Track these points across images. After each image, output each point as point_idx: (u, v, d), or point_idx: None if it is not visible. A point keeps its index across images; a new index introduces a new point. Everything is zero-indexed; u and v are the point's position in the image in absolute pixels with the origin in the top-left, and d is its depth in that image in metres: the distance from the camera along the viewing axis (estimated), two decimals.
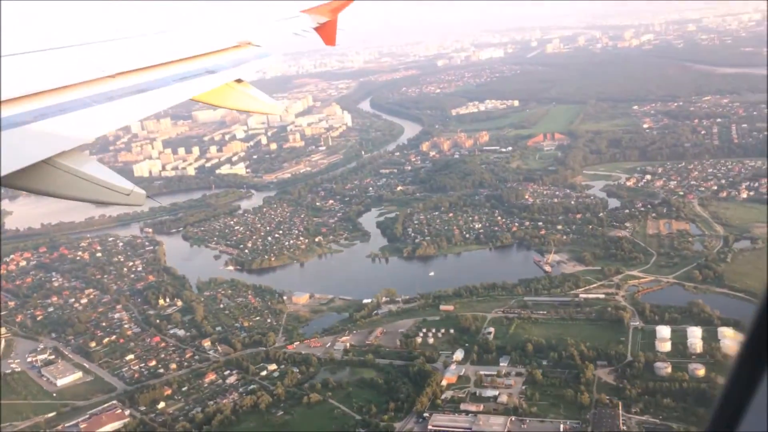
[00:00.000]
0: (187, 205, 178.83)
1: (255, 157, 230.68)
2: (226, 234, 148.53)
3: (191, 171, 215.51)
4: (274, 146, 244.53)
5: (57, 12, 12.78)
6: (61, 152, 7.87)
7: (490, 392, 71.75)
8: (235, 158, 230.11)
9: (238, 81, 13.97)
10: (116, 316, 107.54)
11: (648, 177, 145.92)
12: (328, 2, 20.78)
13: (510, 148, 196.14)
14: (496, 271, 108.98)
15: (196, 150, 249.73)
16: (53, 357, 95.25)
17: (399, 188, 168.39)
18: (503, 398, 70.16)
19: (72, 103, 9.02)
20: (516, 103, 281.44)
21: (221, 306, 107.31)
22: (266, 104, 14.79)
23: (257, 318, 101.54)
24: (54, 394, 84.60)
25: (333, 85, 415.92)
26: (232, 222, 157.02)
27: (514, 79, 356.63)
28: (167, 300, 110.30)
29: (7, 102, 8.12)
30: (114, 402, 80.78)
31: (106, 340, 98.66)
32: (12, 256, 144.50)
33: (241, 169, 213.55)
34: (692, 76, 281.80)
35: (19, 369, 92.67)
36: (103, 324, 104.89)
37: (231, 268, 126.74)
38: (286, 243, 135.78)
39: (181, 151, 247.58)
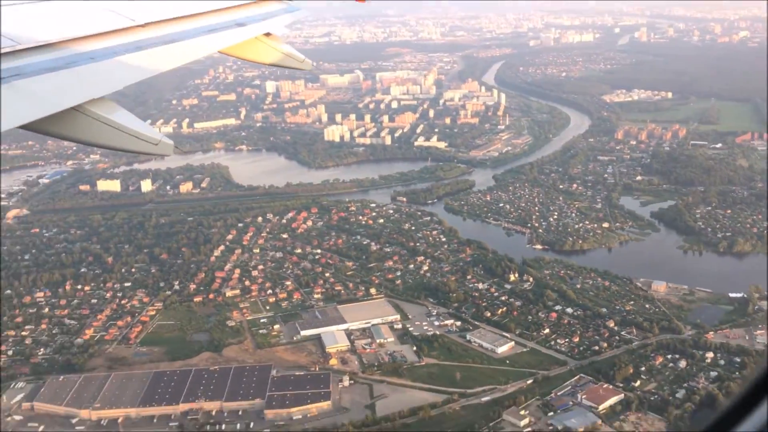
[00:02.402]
0: (417, 176, 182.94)
1: (436, 131, 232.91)
2: (493, 210, 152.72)
3: (387, 140, 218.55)
4: (448, 120, 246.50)
5: None
6: (90, 99, 7.94)
7: None
8: (418, 130, 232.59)
9: (267, 35, 13.93)
10: (480, 286, 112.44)
11: None
12: None
13: (719, 145, 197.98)
14: None
15: (367, 117, 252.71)
16: (459, 323, 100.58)
17: (638, 178, 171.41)
18: None
19: (102, 51, 8.99)
20: (669, 95, 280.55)
21: (578, 287, 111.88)
22: (297, 60, 14.69)
23: (631, 303, 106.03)
24: (507, 361, 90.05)
25: (430, 57, 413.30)
26: (487, 198, 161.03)
27: (639, 68, 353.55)
28: (516, 275, 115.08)
29: (37, 48, 8.16)
30: (581, 375, 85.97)
31: (499, 310, 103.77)
32: (289, 214, 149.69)
33: (437, 142, 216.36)
34: None
35: (438, 333, 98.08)
36: (475, 294, 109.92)
37: (538, 247, 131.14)
38: (575, 226, 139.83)
39: (338, 116, 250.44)
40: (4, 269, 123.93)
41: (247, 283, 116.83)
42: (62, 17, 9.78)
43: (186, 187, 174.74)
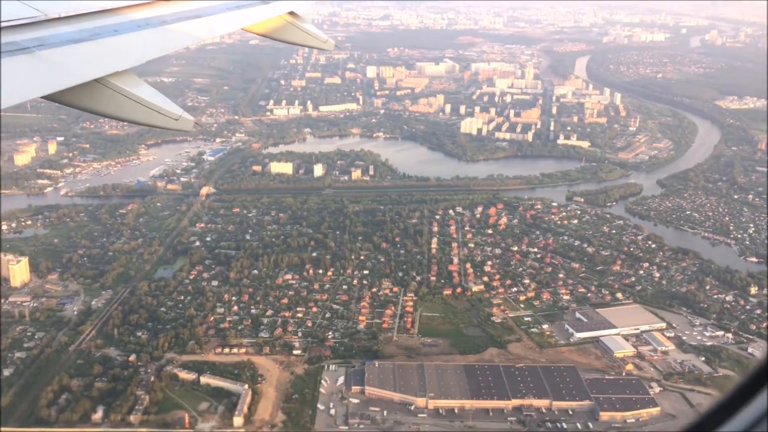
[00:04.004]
0: (579, 176, 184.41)
1: (569, 128, 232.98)
2: (681, 217, 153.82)
3: (529, 137, 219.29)
4: (575, 119, 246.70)
5: None
6: (113, 72, 7.94)
7: None
8: (551, 127, 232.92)
9: (292, 14, 13.97)
10: (726, 297, 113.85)
11: None
12: None
13: None
14: None
15: (492, 111, 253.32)
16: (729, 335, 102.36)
17: None
18: None
19: (126, 25, 8.95)
20: None
21: None
22: (319, 39, 14.82)
23: None
24: None
25: (508, 48, 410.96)
26: (668, 204, 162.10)
27: (734, 74, 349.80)
28: (756, 288, 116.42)
29: (62, 19, 8.07)
30: None
31: (765, 324, 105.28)
32: (478, 208, 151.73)
33: (578, 141, 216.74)
34: None
35: (715, 344, 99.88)
36: (726, 306, 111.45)
37: (753, 259, 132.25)
38: None
39: (462, 108, 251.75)
40: (236, 248, 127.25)
41: (485, 279, 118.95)
42: None
43: (356, 174, 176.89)
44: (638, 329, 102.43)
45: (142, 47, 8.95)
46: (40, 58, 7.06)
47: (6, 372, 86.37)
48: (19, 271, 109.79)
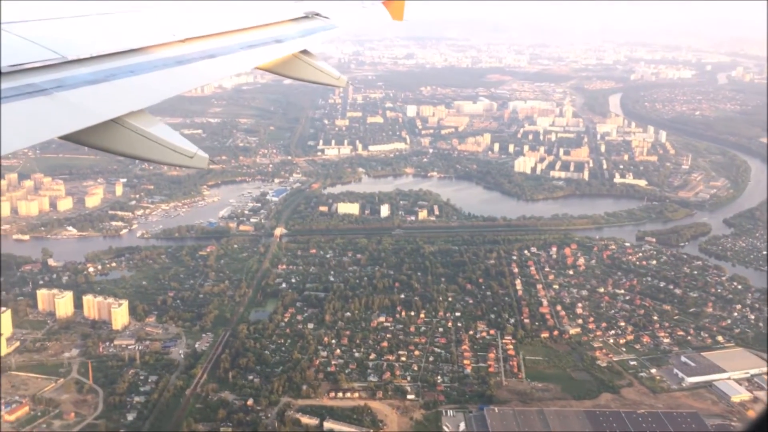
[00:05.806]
0: (644, 216, 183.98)
1: (621, 167, 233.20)
2: (760, 257, 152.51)
3: (585, 175, 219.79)
4: (626, 157, 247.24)
5: None
6: (129, 112, 8.12)
7: None
8: (604, 166, 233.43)
9: (304, 52, 14.12)
10: None
11: None
12: None
13: None
14: None
15: (541, 149, 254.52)
16: None
17: None
18: None
19: (142, 65, 9.19)
20: None
21: None
22: (332, 77, 14.91)
23: None
24: None
25: (539, 86, 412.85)
26: (742, 243, 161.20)
27: None
28: None
29: (79, 61, 8.26)
30: None
31: None
32: (552, 248, 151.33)
33: (634, 179, 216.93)
34: None
35: None
36: None
37: None
38: None
39: (510, 147, 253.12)
40: (323, 290, 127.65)
41: (579, 321, 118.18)
42: (105, 32, 10.09)
43: (423, 214, 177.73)
44: (748, 373, 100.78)
45: (158, 87, 9.21)
46: (58, 99, 7.31)
47: (129, 417, 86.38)
48: (120, 315, 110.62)
